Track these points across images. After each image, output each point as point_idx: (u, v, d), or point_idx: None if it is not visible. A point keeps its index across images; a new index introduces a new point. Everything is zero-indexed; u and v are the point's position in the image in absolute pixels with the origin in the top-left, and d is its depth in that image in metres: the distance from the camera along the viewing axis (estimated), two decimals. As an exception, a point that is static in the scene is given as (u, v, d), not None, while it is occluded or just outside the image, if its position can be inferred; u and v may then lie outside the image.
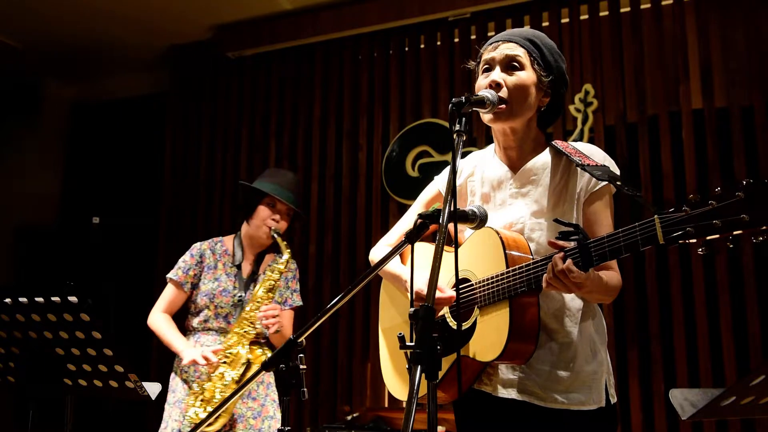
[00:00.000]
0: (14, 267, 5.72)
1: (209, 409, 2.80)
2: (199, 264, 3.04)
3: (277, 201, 3.03)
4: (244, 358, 2.88)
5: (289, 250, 3.01)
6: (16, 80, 5.89)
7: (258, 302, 2.92)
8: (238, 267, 3.04)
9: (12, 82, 5.88)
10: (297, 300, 3.10)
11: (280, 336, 2.96)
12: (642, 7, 4.15)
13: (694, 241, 1.40)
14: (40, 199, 5.89)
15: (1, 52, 5.39)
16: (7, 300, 2.03)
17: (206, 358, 2.77)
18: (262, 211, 3.02)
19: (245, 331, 2.90)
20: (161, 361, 4.98)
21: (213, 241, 3.15)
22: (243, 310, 2.93)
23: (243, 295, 2.98)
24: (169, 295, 3.03)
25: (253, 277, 3.05)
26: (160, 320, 2.98)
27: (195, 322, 2.99)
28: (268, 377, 3.04)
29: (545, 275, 1.60)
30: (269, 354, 2.86)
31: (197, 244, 3.12)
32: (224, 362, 2.86)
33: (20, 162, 5.86)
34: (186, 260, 3.06)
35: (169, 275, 3.04)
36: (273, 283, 2.97)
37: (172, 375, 3.00)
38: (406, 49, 4.74)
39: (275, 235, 2.99)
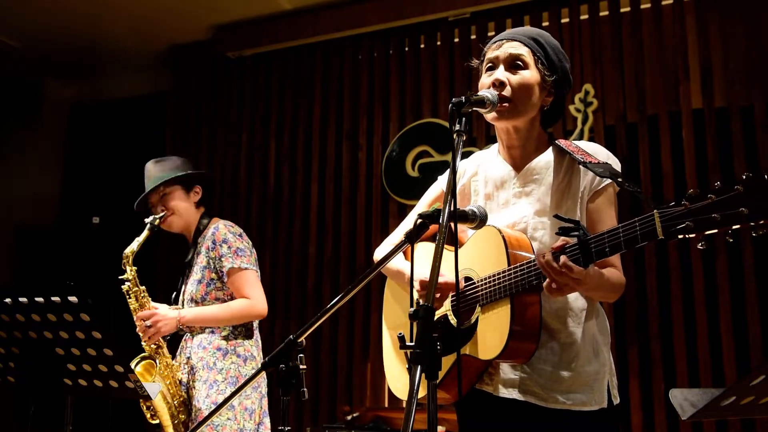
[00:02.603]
0: (14, 267, 5.72)
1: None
2: None
3: (146, 202, 2.96)
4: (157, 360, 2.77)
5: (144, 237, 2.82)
6: (16, 80, 5.88)
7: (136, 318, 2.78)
8: (187, 264, 2.95)
9: (12, 82, 5.88)
10: (227, 263, 2.75)
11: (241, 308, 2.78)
12: (642, 7, 4.14)
13: (694, 235, 1.39)
14: (40, 199, 5.88)
15: (1, 52, 5.38)
16: (7, 300, 2.04)
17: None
18: (151, 220, 2.90)
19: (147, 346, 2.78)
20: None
21: None
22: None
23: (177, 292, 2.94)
24: None
25: (186, 266, 2.94)
26: None
27: None
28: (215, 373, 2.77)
29: (545, 283, 1.59)
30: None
31: None
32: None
33: (20, 162, 5.86)
34: None
35: None
36: (131, 293, 2.77)
37: None
38: (406, 49, 4.74)
39: (148, 226, 2.85)
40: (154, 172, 2.93)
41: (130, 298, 2.79)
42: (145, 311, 2.75)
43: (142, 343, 2.78)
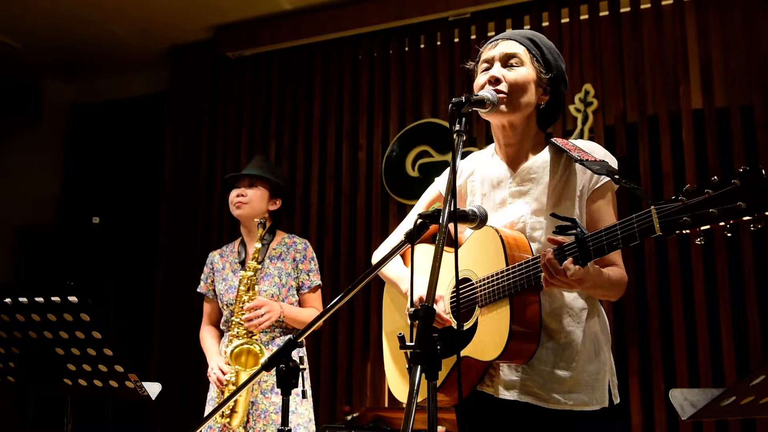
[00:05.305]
0: (14, 267, 5.72)
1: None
2: (211, 271, 3.13)
3: (236, 179, 3.09)
4: (257, 351, 2.87)
5: (260, 234, 2.94)
6: (16, 80, 5.89)
7: (241, 305, 2.90)
8: (242, 263, 3.06)
9: (12, 82, 5.88)
10: (315, 279, 3.07)
11: (306, 320, 2.97)
12: (642, 7, 4.15)
13: (692, 230, 1.39)
14: (40, 199, 5.89)
15: (1, 52, 5.39)
16: (7, 300, 2.03)
17: (219, 382, 2.84)
18: (230, 194, 3.08)
19: (243, 332, 2.88)
20: (161, 361, 4.98)
21: (225, 246, 3.22)
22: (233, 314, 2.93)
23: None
24: (205, 308, 3.17)
25: (242, 262, 3.06)
26: (202, 335, 3.12)
27: (221, 324, 3.07)
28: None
29: (543, 275, 1.60)
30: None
31: (210, 253, 3.21)
32: (234, 373, 2.83)
33: (20, 162, 5.86)
34: (204, 270, 3.17)
35: (198, 289, 3.17)
36: (248, 279, 2.92)
37: None
38: (406, 49, 4.74)
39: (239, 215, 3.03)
40: (260, 164, 3.14)
41: (240, 283, 2.92)
42: (259, 299, 2.89)
43: (236, 330, 2.87)
